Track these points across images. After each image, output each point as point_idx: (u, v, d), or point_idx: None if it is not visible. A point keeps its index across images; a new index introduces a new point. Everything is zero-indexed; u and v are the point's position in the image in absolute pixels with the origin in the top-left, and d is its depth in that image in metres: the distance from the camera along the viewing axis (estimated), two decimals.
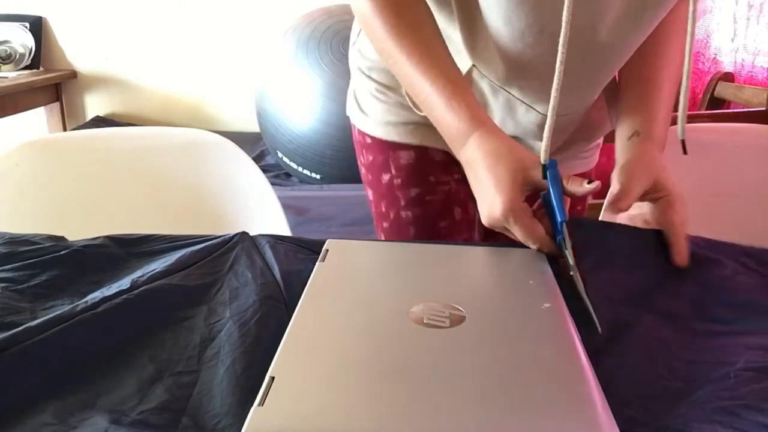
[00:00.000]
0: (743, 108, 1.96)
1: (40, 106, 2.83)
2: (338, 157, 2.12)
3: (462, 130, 0.70)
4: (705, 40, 2.40)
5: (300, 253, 0.69)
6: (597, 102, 0.86)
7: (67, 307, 0.54)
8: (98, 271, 0.65)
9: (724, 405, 0.46)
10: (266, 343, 0.51)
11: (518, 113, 0.83)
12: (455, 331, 0.49)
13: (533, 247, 0.65)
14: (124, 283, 0.59)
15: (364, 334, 0.49)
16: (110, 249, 0.69)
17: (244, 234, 0.72)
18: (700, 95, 2.27)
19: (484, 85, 0.82)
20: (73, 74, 2.94)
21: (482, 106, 0.82)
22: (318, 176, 2.21)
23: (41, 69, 2.85)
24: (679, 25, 0.78)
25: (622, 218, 0.76)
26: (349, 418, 0.40)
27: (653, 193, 0.71)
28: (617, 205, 0.68)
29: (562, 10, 0.62)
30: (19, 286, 0.60)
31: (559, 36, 0.62)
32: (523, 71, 0.77)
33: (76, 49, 2.93)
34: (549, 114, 0.65)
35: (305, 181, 2.25)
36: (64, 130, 2.92)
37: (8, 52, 2.79)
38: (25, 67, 2.81)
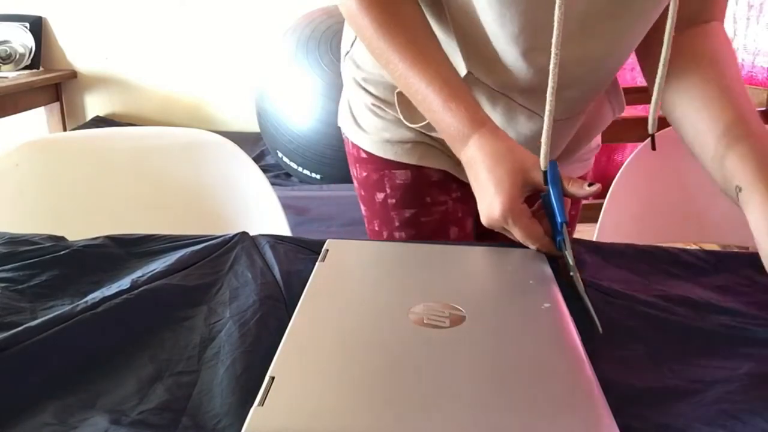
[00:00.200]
0: None
1: (40, 106, 2.83)
2: (338, 157, 2.12)
3: (462, 131, 0.69)
4: None
5: (300, 253, 0.69)
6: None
7: (67, 307, 0.55)
8: (98, 271, 0.65)
9: (726, 408, 0.46)
10: (266, 343, 0.51)
11: (519, 121, 0.81)
12: (455, 331, 0.49)
13: (532, 247, 0.65)
14: (124, 283, 0.59)
15: (364, 334, 0.49)
16: (110, 249, 0.69)
17: (244, 234, 0.72)
18: None
19: (481, 93, 0.80)
20: (73, 74, 2.94)
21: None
22: (318, 176, 2.21)
23: (41, 69, 2.85)
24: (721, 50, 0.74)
25: None
26: (349, 418, 0.40)
27: None
28: None
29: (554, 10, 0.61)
30: (19, 286, 0.60)
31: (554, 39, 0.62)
32: (522, 75, 0.76)
33: (76, 49, 2.93)
34: (546, 118, 0.64)
35: (305, 181, 2.25)
36: (64, 130, 2.92)
37: (8, 52, 2.79)
38: (25, 67, 2.81)
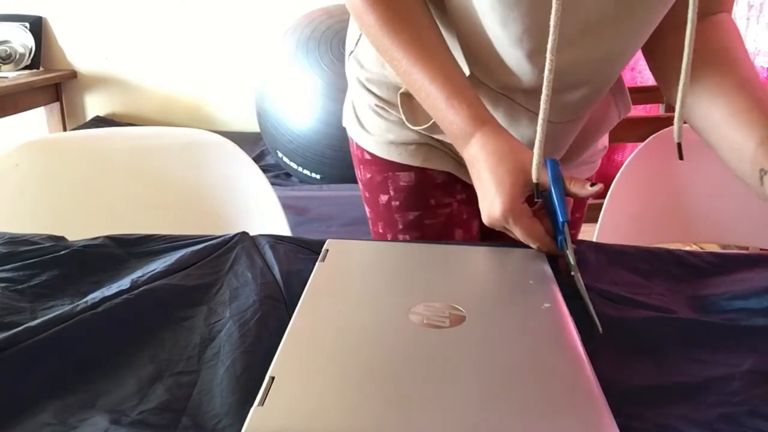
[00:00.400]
0: None
1: (40, 106, 2.83)
2: (338, 157, 2.12)
3: (465, 129, 0.69)
4: None
5: (300, 253, 0.69)
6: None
7: (67, 307, 0.55)
8: (98, 271, 0.65)
9: (727, 411, 0.46)
10: (266, 343, 0.51)
11: (521, 123, 0.80)
12: (455, 331, 0.49)
13: (533, 246, 0.65)
14: (124, 283, 0.59)
15: (364, 334, 0.49)
16: (110, 249, 0.69)
17: (244, 234, 0.72)
18: None
19: (483, 94, 0.79)
20: (73, 74, 2.93)
21: None
22: (318, 176, 2.21)
23: (41, 69, 2.85)
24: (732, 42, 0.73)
25: None
26: (349, 418, 0.40)
27: None
28: None
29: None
30: (19, 286, 0.60)
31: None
32: (525, 77, 0.75)
33: (76, 49, 2.93)
34: (539, 125, 0.63)
35: (305, 181, 2.25)
36: (64, 130, 2.92)
37: (8, 52, 2.79)
38: (25, 67, 2.81)
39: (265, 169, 1.15)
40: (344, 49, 2.30)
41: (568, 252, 0.62)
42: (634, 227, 1.12)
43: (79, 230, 0.77)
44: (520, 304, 0.55)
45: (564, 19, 0.62)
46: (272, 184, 1.06)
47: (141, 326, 0.55)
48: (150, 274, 0.61)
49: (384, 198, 0.89)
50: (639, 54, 0.79)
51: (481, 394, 0.42)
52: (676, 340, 0.55)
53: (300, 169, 2.23)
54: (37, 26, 2.85)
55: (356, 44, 0.89)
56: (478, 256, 0.66)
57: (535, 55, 0.71)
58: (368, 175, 0.91)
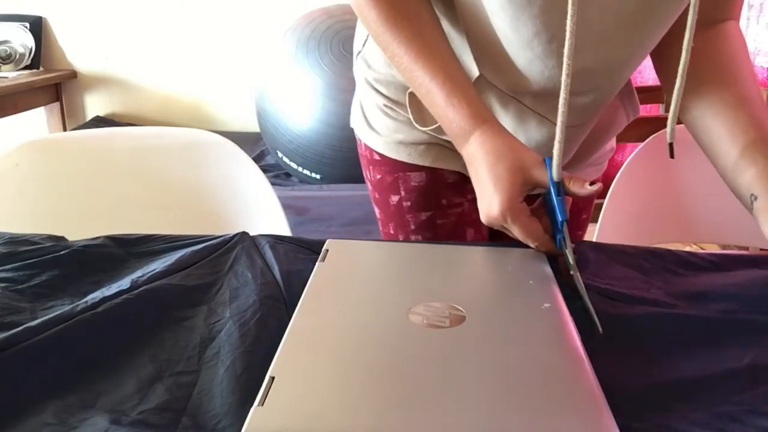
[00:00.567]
0: None
1: (40, 106, 2.83)
2: (338, 157, 2.12)
3: (464, 127, 0.68)
4: None
5: (300, 253, 0.69)
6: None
7: (67, 307, 0.55)
8: (98, 271, 0.65)
9: (727, 410, 0.46)
10: (266, 343, 0.51)
11: (530, 126, 0.80)
12: (455, 331, 0.49)
13: (532, 245, 0.65)
14: (124, 283, 0.59)
15: (364, 334, 0.49)
16: (110, 249, 0.69)
17: (244, 234, 0.72)
18: None
19: (493, 96, 0.79)
20: (73, 74, 2.94)
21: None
22: (318, 176, 2.21)
23: (41, 69, 2.85)
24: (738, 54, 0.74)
25: None
26: (349, 418, 0.40)
27: None
28: None
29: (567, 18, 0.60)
30: (19, 286, 0.60)
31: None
32: (535, 80, 0.74)
33: (76, 49, 2.93)
34: (558, 129, 0.63)
35: (305, 181, 2.25)
36: (64, 130, 2.92)
37: (8, 52, 2.79)
38: (25, 67, 2.81)
39: (265, 169, 1.15)
40: (344, 49, 2.30)
41: (567, 251, 0.62)
42: (634, 227, 1.12)
43: (79, 230, 0.77)
44: (520, 304, 0.55)
45: (577, 24, 0.61)
46: (272, 184, 1.06)
47: (141, 326, 0.55)
48: (150, 274, 0.61)
49: (395, 198, 0.89)
50: None
51: (481, 394, 0.42)
52: (676, 340, 0.55)
53: (300, 169, 2.23)
54: (37, 26, 2.85)
55: (364, 44, 0.88)
56: (478, 256, 0.66)
57: (543, 58, 0.71)
58: (378, 176, 0.90)
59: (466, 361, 0.45)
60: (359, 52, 0.89)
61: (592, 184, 0.64)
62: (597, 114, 0.83)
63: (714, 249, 1.66)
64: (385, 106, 0.86)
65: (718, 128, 0.70)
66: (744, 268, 0.69)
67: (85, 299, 0.56)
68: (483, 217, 0.67)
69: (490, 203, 0.65)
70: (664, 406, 0.46)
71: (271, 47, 2.26)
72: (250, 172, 1.05)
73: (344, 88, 2.06)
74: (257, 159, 2.39)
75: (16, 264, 0.64)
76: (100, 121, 2.89)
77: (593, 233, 1.06)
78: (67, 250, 0.67)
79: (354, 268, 0.62)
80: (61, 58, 2.94)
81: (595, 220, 1.06)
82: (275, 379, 0.42)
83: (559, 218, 0.63)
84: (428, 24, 0.72)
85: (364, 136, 0.90)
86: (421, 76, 0.70)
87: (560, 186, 0.64)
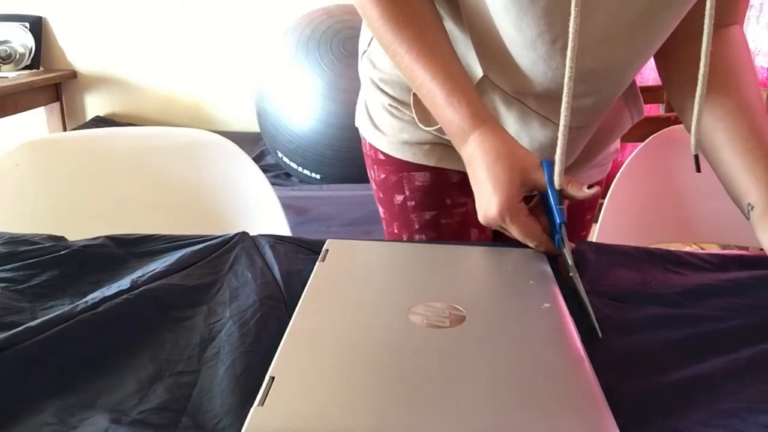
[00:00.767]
0: None
1: (40, 106, 2.83)
2: (338, 157, 2.12)
3: (463, 127, 0.68)
4: None
5: (300, 253, 0.69)
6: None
7: (67, 307, 0.55)
8: (98, 271, 0.65)
9: (727, 409, 0.46)
10: (266, 343, 0.51)
11: (533, 127, 0.80)
12: (455, 331, 0.49)
13: (531, 245, 0.65)
14: (124, 283, 0.59)
15: (364, 334, 0.49)
16: (110, 249, 0.69)
17: (244, 234, 0.72)
18: None
19: (497, 97, 0.79)
20: (73, 74, 2.94)
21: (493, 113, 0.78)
22: (318, 176, 2.21)
23: (41, 69, 2.85)
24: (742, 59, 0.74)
25: None
26: (349, 418, 0.40)
27: None
28: None
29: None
30: (19, 286, 0.60)
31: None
32: (538, 80, 0.74)
33: (76, 49, 2.93)
34: (560, 132, 0.63)
35: (305, 181, 2.25)
36: (64, 130, 2.92)
37: (8, 52, 2.79)
38: (25, 67, 2.81)
39: (265, 169, 1.15)
40: (344, 49, 2.30)
41: (565, 251, 0.62)
42: (634, 227, 1.12)
43: (79, 230, 0.77)
44: (520, 304, 0.55)
45: (579, 26, 0.61)
46: (272, 184, 1.06)
47: (141, 326, 0.55)
48: (150, 274, 0.61)
49: (399, 198, 0.89)
50: None
51: (481, 394, 0.42)
52: (675, 340, 0.55)
53: (300, 169, 2.23)
54: (37, 26, 2.85)
55: (369, 44, 0.88)
56: (478, 256, 0.66)
57: (547, 59, 0.71)
58: (382, 176, 0.90)
59: (466, 361, 0.45)
60: (364, 52, 0.89)
61: (590, 187, 0.64)
62: (600, 116, 0.83)
63: (714, 249, 1.66)
64: (390, 105, 0.86)
65: (718, 134, 0.71)
66: (744, 268, 0.69)
67: (85, 299, 0.56)
68: (481, 218, 0.67)
69: (488, 203, 0.65)
70: (664, 406, 0.46)
71: (271, 47, 2.26)
72: (250, 172, 1.05)
73: (344, 88, 2.06)
74: (257, 159, 2.40)
75: (16, 264, 0.64)
76: (100, 121, 2.89)
77: (593, 233, 1.06)
78: (67, 250, 0.67)
79: (354, 268, 0.62)
80: (61, 58, 2.94)
81: (595, 220, 1.06)
82: (275, 379, 0.42)
83: (557, 221, 0.63)
84: (431, 24, 0.72)
85: (369, 135, 0.90)
86: (422, 75, 0.69)
87: (560, 193, 0.64)
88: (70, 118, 3.00)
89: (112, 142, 1.07)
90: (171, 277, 0.62)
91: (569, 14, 0.61)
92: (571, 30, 0.61)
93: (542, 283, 0.58)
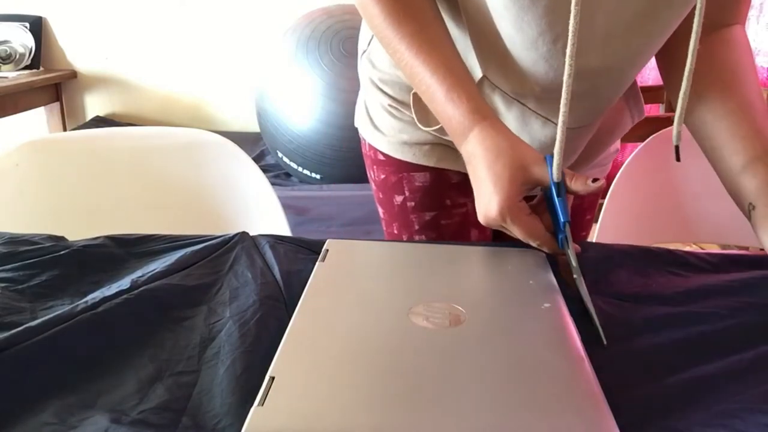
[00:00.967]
0: None
1: (40, 106, 2.84)
2: (338, 157, 2.12)
3: (463, 123, 0.67)
4: None
5: (300, 253, 0.69)
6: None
7: (67, 307, 0.55)
8: (98, 271, 0.65)
9: (727, 409, 0.46)
10: (266, 343, 0.51)
11: (533, 128, 0.79)
12: (455, 331, 0.49)
13: (534, 244, 0.64)
14: (124, 283, 0.59)
15: (364, 334, 0.49)
16: (110, 249, 0.69)
17: (244, 234, 0.72)
18: None
19: (497, 98, 0.78)
20: (73, 74, 2.94)
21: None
22: (318, 176, 2.21)
23: (41, 69, 2.85)
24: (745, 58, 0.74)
25: None
26: (349, 418, 0.40)
27: None
28: None
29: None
30: (19, 286, 0.60)
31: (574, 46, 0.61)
32: (538, 81, 0.74)
33: (76, 49, 2.93)
34: (559, 129, 0.63)
35: (305, 181, 2.25)
36: (64, 130, 2.92)
37: (8, 52, 2.79)
38: (25, 67, 2.81)
39: (265, 169, 1.15)
40: (344, 49, 2.30)
41: (569, 252, 0.62)
42: (634, 227, 1.12)
43: (79, 230, 0.77)
44: (520, 304, 0.55)
45: (580, 25, 0.61)
46: (272, 184, 1.06)
47: (141, 326, 0.55)
48: (150, 274, 0.61)
49: (399, 198, 0.89)
50: None
51: (481, 394, 0.42)
52: (676, 340, 0.55)
53: (300, 169, 2.23)
54: (37, 26, 2.85)
55: (369, 44, 0.88)
56: (478, 256, 0.66)
57: (550, 58, 0.71)
58: (382, 176, 0.90)
59: (466, 361, 0.45)
60: (364, 52, 0.89)
61: (594, 180, 0.63)
62: (601, 115, 0.83)
63: (714, 249, 1.66)
64: (389, 106, 0.86)
65: (719, 134, 0.71)
66: (744, 268, 0.69)
67: (85, 299, 0.56)
68: (481, 218, 0.66)
69: (488, 203, 0.64)
70: (665, 406, 0.46)
71: (271, 47, 2.26)
72: (250, 172, 1.05)
73: (344, 88, 2.06)
74: (257, 159, 2.40)
75: (16, 264, 0.64)
76: (100, 121, 2.89)
77: (593, 233, 1.06)
78: (67, 250, 0.67)
79: (354, 268, 0.62)
80: (61, 58, 2.94)
81: (595, 220, 1.06)
82: (275, 379, 0.42)
83: (561, 219, 0.63)
84: (431, 21, 0.72)
85: (369, 136, 0.90)
86: (422, 71, 0.69)
87: (561, 186, 0.63)
88: (70, 118, 3.00)
89: (112, 142, 1.07)
90: (171, 277, 0.62)
91: (569, 13, 0.60)
92: (570, 29, 0.60)
93: (542, 283, 0.58)
